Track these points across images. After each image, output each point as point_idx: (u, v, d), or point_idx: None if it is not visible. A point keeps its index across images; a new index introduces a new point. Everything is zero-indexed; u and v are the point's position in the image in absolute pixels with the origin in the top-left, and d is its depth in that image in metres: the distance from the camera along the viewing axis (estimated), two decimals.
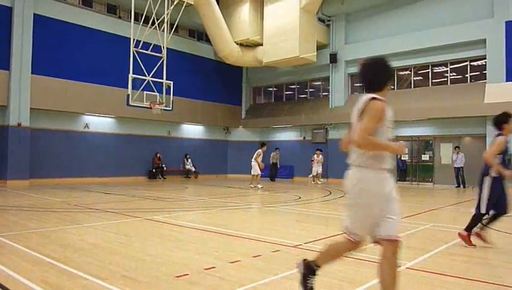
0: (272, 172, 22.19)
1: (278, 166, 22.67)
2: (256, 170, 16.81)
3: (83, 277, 4.08)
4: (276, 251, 5.33)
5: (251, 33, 21.78)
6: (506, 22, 16.86)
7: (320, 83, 23.86)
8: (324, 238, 6.18)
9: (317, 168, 20.00)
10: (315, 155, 20.08)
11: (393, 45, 19.73)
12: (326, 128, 22.40)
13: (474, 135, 18.27)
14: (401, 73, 20.65)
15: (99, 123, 19.76)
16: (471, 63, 18.53)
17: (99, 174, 19.31)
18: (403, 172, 20.73)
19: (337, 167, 19.74)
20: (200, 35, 23.83)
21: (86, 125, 19.30)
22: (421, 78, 20.17)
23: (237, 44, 22.06)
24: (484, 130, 17.37)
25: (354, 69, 21.81)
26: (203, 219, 8.56)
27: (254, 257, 5.00)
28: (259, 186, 16.63)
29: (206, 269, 4.42)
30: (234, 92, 25.89)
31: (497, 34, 17.08)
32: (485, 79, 17.56)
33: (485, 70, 17.68)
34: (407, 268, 4.59)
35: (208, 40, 23.08)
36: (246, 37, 21.86)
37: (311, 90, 24.45)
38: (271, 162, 22.12)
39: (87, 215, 8.61)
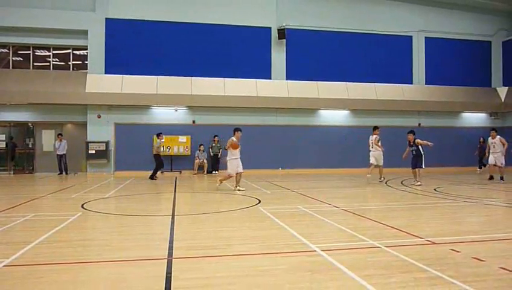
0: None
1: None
2: (232, 167, 11.14)
3: None
4: None
5: None
6: (106, 19, 18.11)
7: None
8: None
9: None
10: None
11: None
12: None
13: (76, 122, 18.68)
14: None
15: None
16: (75, 52, 18.82)
17: None
18: None
19: None
20: None
21: None
22: (22, 59, 18.69)
23: None
24: (85, 118, 18.09)
25: None
26: None
27: None
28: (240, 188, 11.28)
29: None
30: None
31: (98, 28, 18.05)
32: (87, 69, 18.26)
33: (87, 60, 18.37)
34: (4, 266, 4.10)
35: None
36: None
37: None
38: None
39: None
